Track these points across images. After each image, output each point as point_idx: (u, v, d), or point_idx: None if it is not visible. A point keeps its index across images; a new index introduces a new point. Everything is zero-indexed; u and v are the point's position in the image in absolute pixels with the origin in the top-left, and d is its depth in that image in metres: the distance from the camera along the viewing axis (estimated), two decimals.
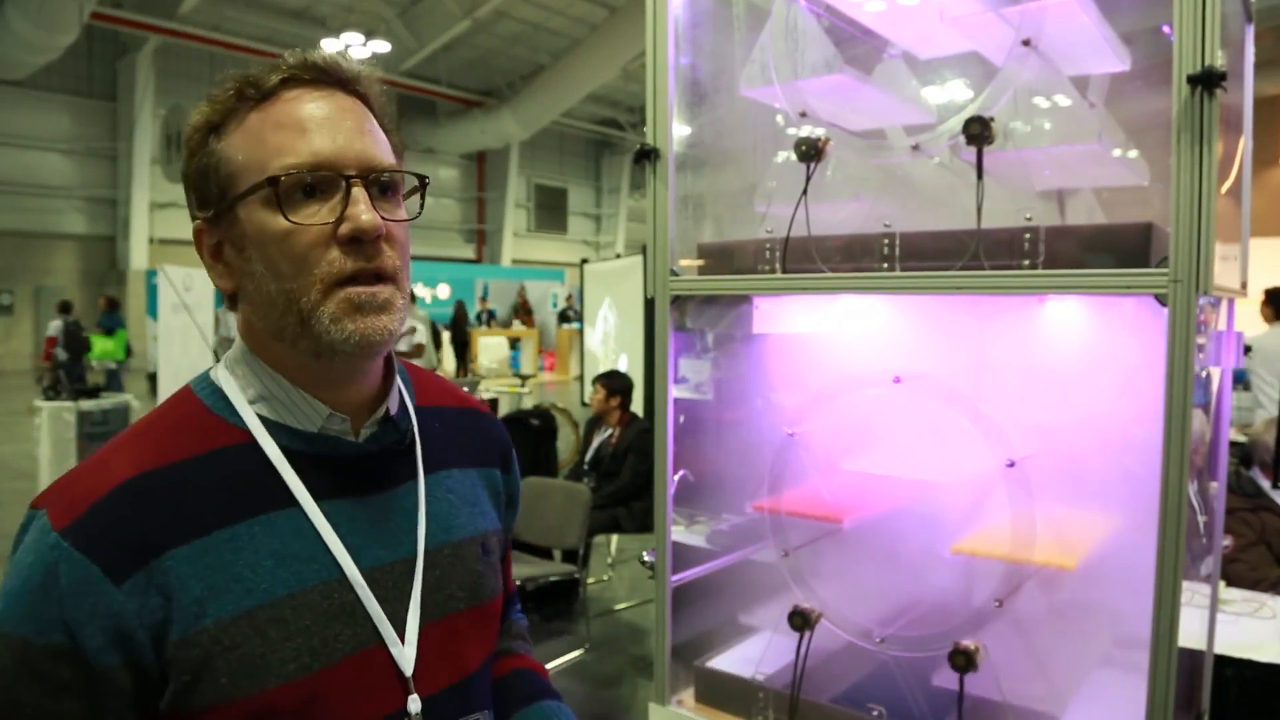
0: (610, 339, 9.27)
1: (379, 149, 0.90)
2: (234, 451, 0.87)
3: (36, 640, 0.77)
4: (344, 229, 0.85)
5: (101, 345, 12.95)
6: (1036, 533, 1.71)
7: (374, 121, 0.92)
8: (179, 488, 0.83)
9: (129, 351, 13.69)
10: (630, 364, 8.42)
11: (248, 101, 0.88)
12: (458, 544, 0.99)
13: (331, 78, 0.90)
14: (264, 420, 0.89)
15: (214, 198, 0.88)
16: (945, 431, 1.83)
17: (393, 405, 0.96)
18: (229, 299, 0.93)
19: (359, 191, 0.86)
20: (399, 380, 1.00)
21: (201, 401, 0.91)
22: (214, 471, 0.86)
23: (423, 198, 0.96)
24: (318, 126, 0.87)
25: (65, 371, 11.67)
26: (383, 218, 0.87)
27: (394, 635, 0.89)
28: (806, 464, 2.00)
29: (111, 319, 13.46)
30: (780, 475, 1.98)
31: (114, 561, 0.79)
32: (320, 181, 0.86)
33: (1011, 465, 1.71)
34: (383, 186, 0.89)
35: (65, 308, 13.19)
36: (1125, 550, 1.74)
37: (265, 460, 0.87)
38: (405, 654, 0.89)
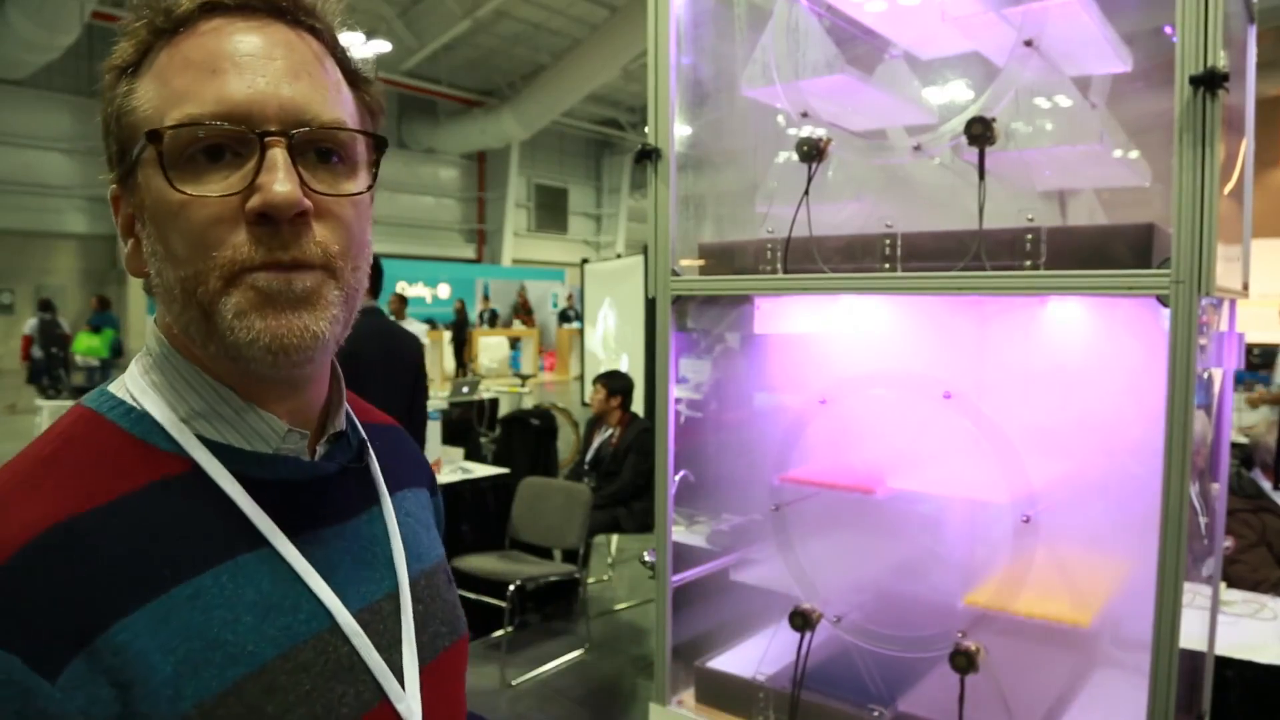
0: (610, 339, 9.27)
1: (319, 97, 0.68)
2: (176, 484, 0.68)
3: None
4: (252, 202, 0.64)
5: (86, 342, 13.10)
6: (1048, 579, 1.72)
7: (326, 62, 0.71)
8: (117, 535, 0.63)
9: (119, 350, 13.85)
10: (631, 364, 8.42)
11: (162, 35, 0.68)
12: (429, 572, 0.85)
13: (265, 2, 0.69)
14: (205, 442, 0.70)
15: (116, 157, 0.70)
16: (967, 452, 1.82)
17: (344, 418, 0.80)
18: (148, 287, 0.73)
19: (276, 154, 0.65)
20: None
21: (115, 425, 0.70)
22: (156, 511, 0.66)
23: (375, 168, 0.74)
24: (234, 65, 0.66)
25: (45, 368, 11.98)
26: (315, 190, 0.67)
27: (398, 688, 0.74)
28: (836, 438, 2.00)
29: (101, 318, 13.62)
30: (809, 449, 1.98)
31: (40, 646, 0.57)
32: (226, 137, 0.65)
33: (1026, 520, 1.71)
34: (324, 150, 0.69)
35: (44, 305, 13.53)
36: (1126, 549, 1.74)
37: (217, 493, 0.68)
38: (411, 709, 0.75)
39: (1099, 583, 1.77)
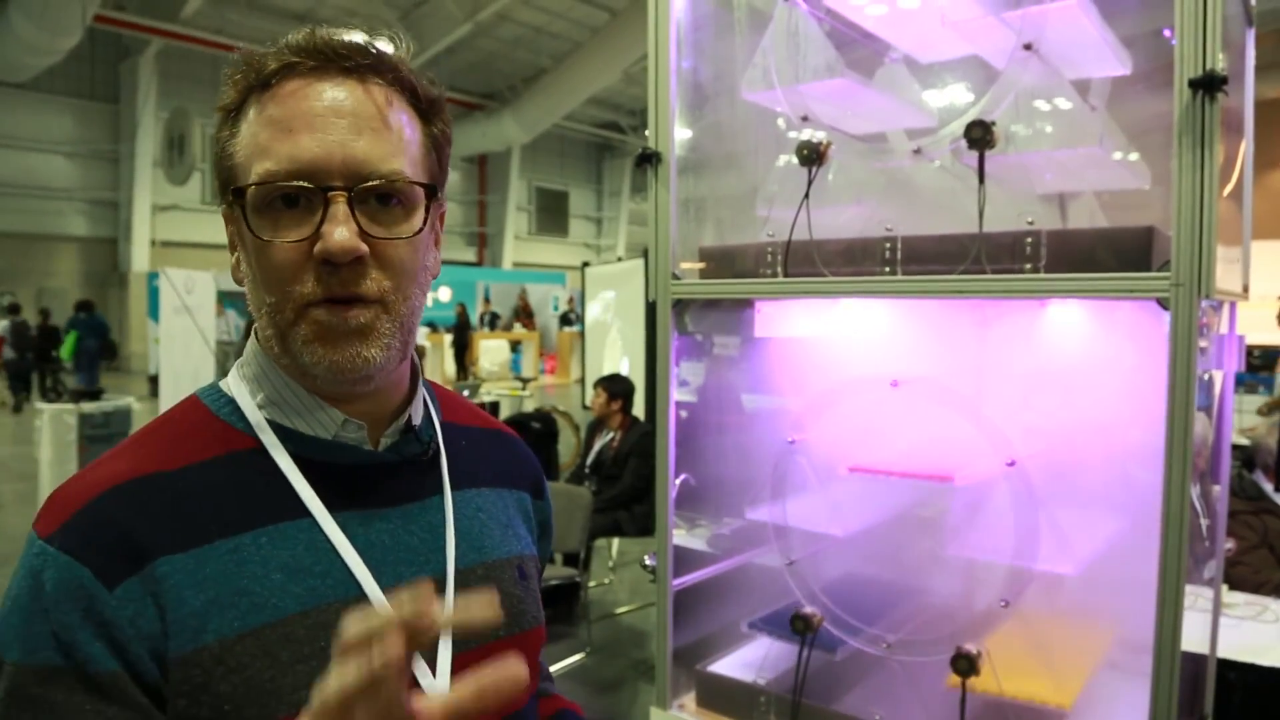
0: (611, 306, 9.21)
1: (379, 151, 0.78)
2: (240, 458, 0.80)
3: (27, 662, 0.69)
4: (316, 249, 0.76)
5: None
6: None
7: (391, 111, 0.80)
8: (178, 493, 0.77)
9: (109, 351, 14.71)
10: (631, 367, 8.42)
11: (254, 90, 0.80)
12: (491, 564, 0.91)
13: (337, 65, 0.79)
14: (274, 426, 0.82)
15: (221, 188, 0.82)
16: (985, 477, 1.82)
17: (416, 415, 0.89)
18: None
19: (338, 207, 0.76)
20: (424, 391, 0.92)
21: (207, 408, 0.84)
22: (218, 478, 0.79)
23: (428, 209, 0.83)
24: (306, 125, 0.77)
25: (14, 370, 12.44)
26: (371, 235, 0.77)
27: (423, 664, 0.79)
28: (837, 443, 1.99)
29: (72, 320, 14.29)
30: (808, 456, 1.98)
31: (105, 563, 0.71)
32: (298, 192, 0.76)
33: (1011, 605, 1.71)
34: (383, 196, 0.79)
35: (13, 309, 14.47)
36: (1127, 554, 1.73)
37: (275, 468, 0.80)
38: (436, 686, 0.79)
39: (1083, 657, 1.78)
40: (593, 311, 9.56)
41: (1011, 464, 1.72)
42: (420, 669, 0.79)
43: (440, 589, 0.84)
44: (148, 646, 0.71)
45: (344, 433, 0.83)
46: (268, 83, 0.78)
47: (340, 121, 0.77)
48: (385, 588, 0.80)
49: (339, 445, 0.83)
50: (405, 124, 0.81)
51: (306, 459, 0.81)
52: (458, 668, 0.81)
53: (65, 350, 13.98)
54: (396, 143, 0.80)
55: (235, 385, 0.85)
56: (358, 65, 0.79)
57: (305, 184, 0.76)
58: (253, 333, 0.86)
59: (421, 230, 0.81)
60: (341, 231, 0.75)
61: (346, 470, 0.83)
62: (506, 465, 1.02)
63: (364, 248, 0.76)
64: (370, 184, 0.77)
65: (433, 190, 0.83)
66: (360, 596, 0.78)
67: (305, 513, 0.79)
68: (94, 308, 14.80)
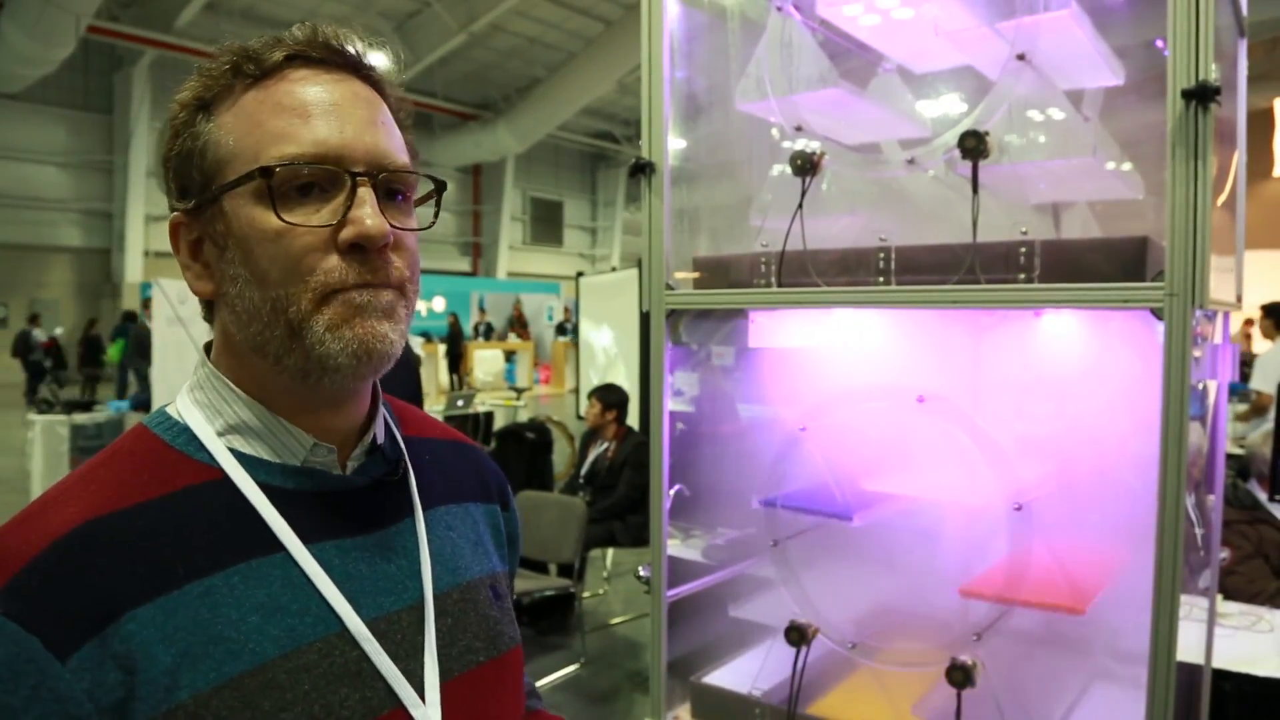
0: (610, 342, 9.21)
1: (392, 146, 0.78)
2: (203, 491, 0.74)
3: None
4: (346, 233, 0.73)
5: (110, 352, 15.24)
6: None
7: (389, 114, 0.81)
8: (138, 534, 0.70)
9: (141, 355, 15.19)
10: (627, 378, 8.41)
11: (245, 78, 0.76)
12: (466, 587, 0.87)
13: (344, 59, 0.79)
14: (237, 454, 0.77)
15: (196, 187, 0.77)
16: (957, 456, 1.81)
17: (380, 433, 0.85)
18: (205, 307, 0.82)
19: (365, 191, 0.74)
20: (383, 407, 0.88)
21: (160, 438, 0.77)
22: (180, 515, 0.72)
23: (438, 205, 0.84)
24: (324, 113, 0.75)
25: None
26: (392, 224, 0.76)
27: (414, 696, 0.76)
28: (832, 453, 1.99)
29: (118, 329, 15.37)
30: (803, 463, 1.98)
31: (57, 630, 0.64)
32: (322, 177, 0.74)
33: (1019, 508, 1.70)
34: (392, 190, 0.79)
35: None
36: (1123, 563, 1.73)
37: (241, 500, 0.74)
38: (428, 716, 0.77)
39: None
40: (590, 338, 9.55)
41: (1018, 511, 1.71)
42: (410, 699, 0.76)
43: (419, 617, 0.80)
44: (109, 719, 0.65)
45: (313, 457, 0.79)
46: (269, 71, 0.76)
47: (358, 112, 0.77)
48: (366, 620, 0.76)
49: (308, 471, 0.79)
50: (396, 125, 0.82)
51: (275, 488, 0.76)
52: (445, 696, 0.79)
53: (113, 353, 14.82)
54: (400, 140, 0.81)
55: (188, 412, 0.79)
56: (359, 63, 0.80)
57: (333, 168, 0.74)
58: (201, 357, 0.82)
59: (429, 225, 0.83)
60: (374, 215, 0.74)
61: (317, 497, 0.78)
62: (472, 478, 0.98)
63: (393, 234, 0.76)
64: (392, 173, 0.77)
65: (442, 185, 0.84)
66: (341, 632, 0.74)
67: (278, 546, 0.74)
68: (139, 318, 15.47)
